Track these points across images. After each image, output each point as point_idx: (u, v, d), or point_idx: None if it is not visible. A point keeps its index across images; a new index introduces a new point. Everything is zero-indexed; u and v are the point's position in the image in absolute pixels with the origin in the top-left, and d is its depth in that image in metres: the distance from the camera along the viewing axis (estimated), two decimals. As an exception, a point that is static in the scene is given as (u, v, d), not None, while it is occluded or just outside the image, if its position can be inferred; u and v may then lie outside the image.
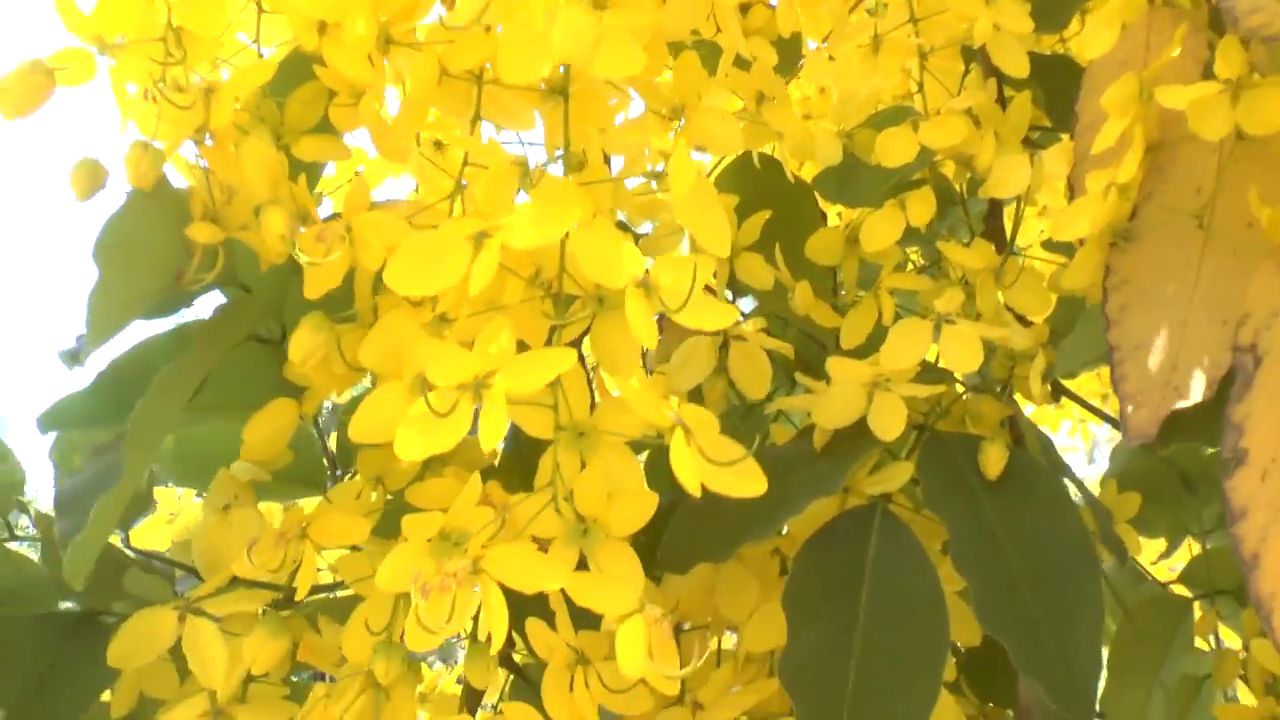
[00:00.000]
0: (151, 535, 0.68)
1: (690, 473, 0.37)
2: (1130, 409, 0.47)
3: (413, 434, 0.35)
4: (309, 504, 0.51)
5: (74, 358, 0.53)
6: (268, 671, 0.46)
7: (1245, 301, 0.44)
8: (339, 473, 0.60)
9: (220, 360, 0.51)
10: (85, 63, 0.43)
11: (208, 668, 0.45)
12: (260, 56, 0.48)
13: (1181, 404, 0.46)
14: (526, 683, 0.61)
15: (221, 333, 0.51)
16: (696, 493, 0.37)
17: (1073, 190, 0.51)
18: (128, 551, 0.59)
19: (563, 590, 0.39)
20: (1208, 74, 0.45)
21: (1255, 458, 0.42)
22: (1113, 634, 0.72)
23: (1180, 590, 0.74)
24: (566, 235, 0.37)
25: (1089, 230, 0.47)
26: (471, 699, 0.54)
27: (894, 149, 0.53)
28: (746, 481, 0.39)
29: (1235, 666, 0.66)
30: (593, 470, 0.41)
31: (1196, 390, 0.46)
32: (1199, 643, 0.72)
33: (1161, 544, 0.81)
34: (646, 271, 0.36)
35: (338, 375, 0.46)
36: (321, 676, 0.58)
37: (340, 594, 0.56)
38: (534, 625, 0.44)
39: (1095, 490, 0.74)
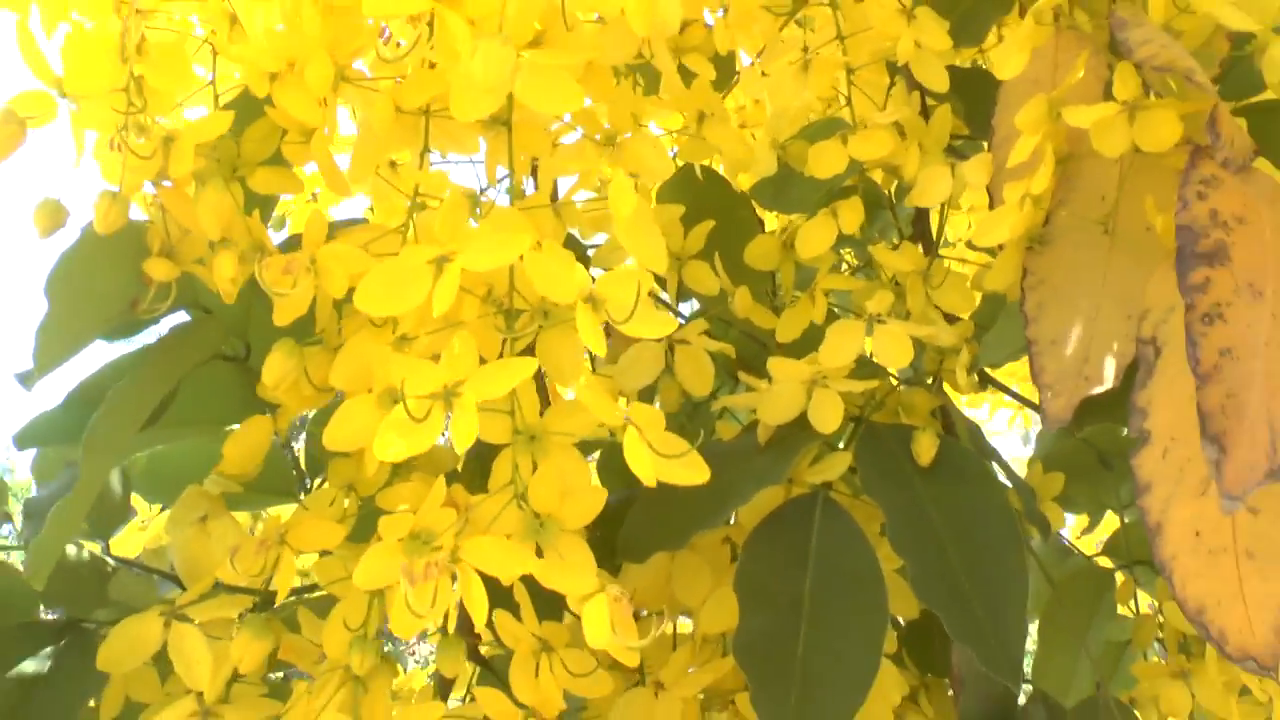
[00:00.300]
0: (128, 543, 0.70)
1: (644, 466, 0.41)
2: (1048, 397, 0.51)
3: (393, 436, 0.38)
4: (280, 512, 0.53)
5: (28, 380, 0.54)
6: (247, 672, 0.48)
7: (1145, 298, 0.48)
8: (308, 482, 0.61)
9: (183, 377, 0.52)
10: (46, 105, 0.44)
11: (193, 670, 0.46)
12: (216, 96, 0.49)
13: (1093, 391, 0.50)
14: (493, 674, 0.63)
15: (180, 351, 0.53)
16: (652, 483, 0.41)
17: (993, 198, 0.55)
18: (109, 560, 0.61)
19: (526, 583, 0.42)
20: (1109, 92, 0.48)
21: (1157, 437, 0.46)
22: (1043, 605, 0.76)
23: (1104, 562, 0.78)
24: (519, 258, 0.40)
25: (1008, 236, 0.51)
26: (443, 691, 0.57)
27: (825, 161, 0.56)
28: (692, 471, 0.42)
29: (1153, 629, 0.70)
30: (545, 470, 0.43)
31: (1106, 378, 0.50)
32: (1121, 610, 0.76)
33: (1087, 519, 0.85)
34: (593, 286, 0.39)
35: (306, 395, 0.48)
36: (287, 678, 0.60)
37: (311, 596, 0.58)
38: (501, 617, 0.46)
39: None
